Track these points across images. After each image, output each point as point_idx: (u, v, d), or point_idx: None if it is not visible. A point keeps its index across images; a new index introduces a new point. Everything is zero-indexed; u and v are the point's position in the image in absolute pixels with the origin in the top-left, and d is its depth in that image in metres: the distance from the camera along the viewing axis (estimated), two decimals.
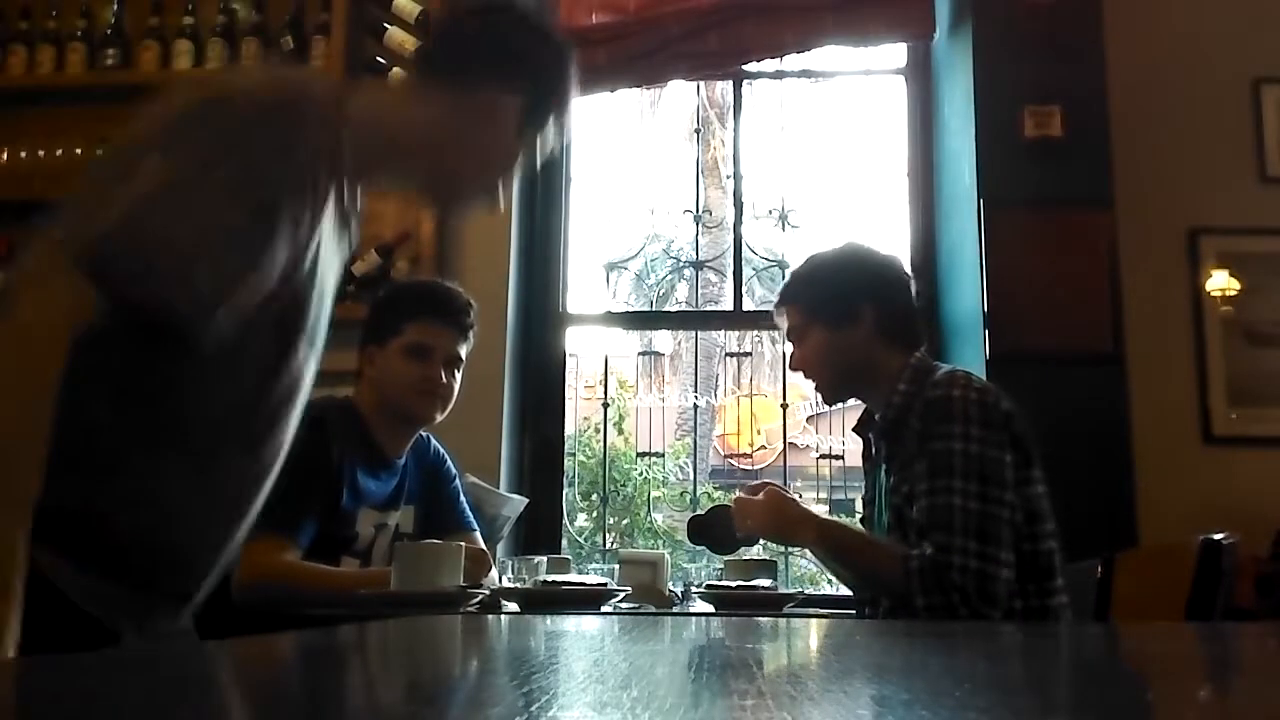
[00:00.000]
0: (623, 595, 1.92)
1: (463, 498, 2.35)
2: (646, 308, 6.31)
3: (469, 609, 1.82)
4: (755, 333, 4.38)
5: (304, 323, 1.32)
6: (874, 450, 2.06)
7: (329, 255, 1.34)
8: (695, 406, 5.17)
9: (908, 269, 2.14)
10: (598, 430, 4.07)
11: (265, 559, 1.86)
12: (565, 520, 3.46)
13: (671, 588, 2.19)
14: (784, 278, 2.17)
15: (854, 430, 2.16)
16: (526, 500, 2.78)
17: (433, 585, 1.72)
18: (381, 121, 1.40)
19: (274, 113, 1.25)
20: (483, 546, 2.28)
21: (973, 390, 1.84)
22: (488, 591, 1.84)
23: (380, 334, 2.20)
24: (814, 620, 2.08)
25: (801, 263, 2.13)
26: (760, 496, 1.96)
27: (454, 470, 2.37)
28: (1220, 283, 3.23)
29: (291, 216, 1.23)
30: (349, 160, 1.32)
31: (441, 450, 2.36)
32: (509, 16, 1.49)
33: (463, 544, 1.81)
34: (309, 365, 1.37)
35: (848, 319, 1.98)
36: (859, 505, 2.25)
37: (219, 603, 1.55)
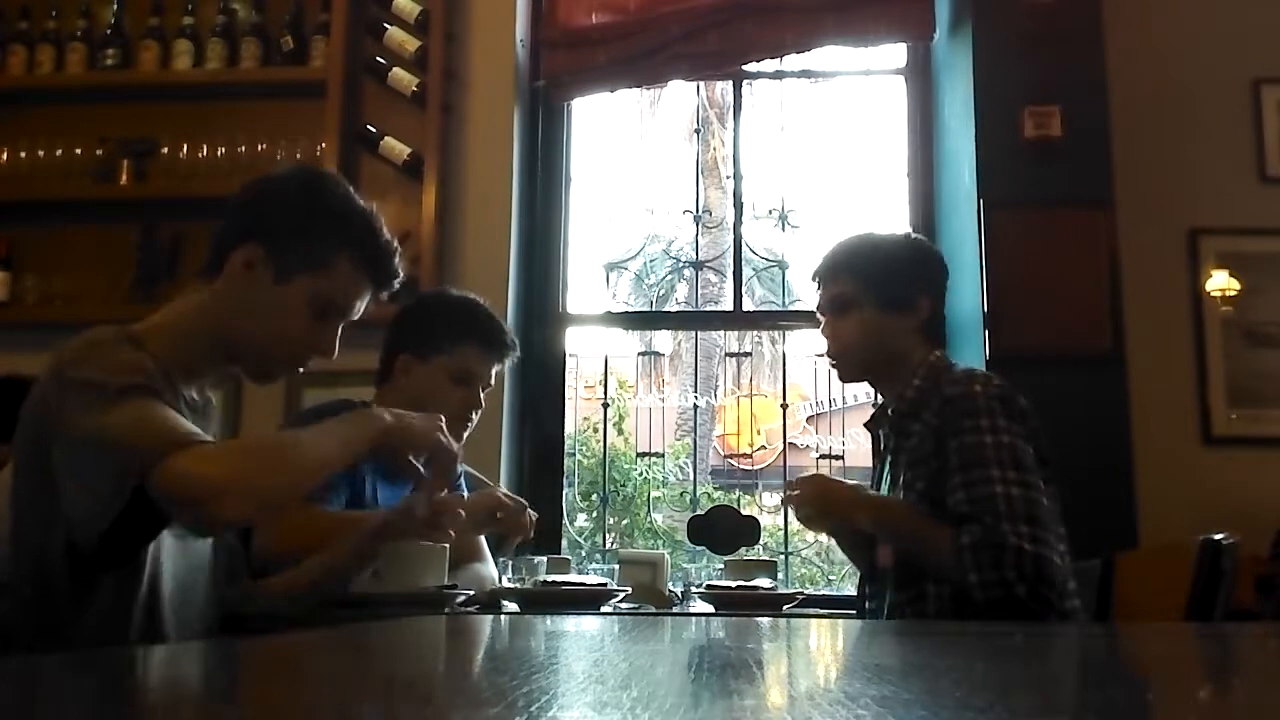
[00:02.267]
0: (622, 595, 1.91)
1: (466, 496, 2.33)
2: (646, 308, 6.31)
3: (467, 609, 1.82)
4: (755, 333, 4.38)
5: None
6: (882, 445, 2.05)
7: None
8: (695, 406, 5.16)
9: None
10: (598, 430, 4.07)
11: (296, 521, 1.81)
12: (565, 520, 3.46)
13: (671, 588, 2.18)
14: (827, 253, 2.06)
15: (865, 425, 2.15)
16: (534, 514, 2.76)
17: (416, 586, 1.72)
18: (170, 334, 1.54)
19: (107, 360, 1.42)
20: (484, 546, 2.28)
21: (993, 387, 1.84)
22: (471, 591, 1.84)
23: (423, 347, 2.14)
24: (814, 620, 2.08)
25: (858, 237, 2.06)
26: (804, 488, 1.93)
27: (460, 469, 2.35)
28: (1220, 283, 3.23)
29: None
30: (172, 377, 1.49)
31: None
32: (251, 194, 1.64)
33: (446, 545, 1.79)
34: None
35: (903, 307, 1.96)
36: None
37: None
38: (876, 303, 1.96)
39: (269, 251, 1.55)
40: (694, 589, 2.12)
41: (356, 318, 1.65)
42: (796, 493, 1.94)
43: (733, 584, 2.05)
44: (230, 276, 1.55)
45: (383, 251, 1.63)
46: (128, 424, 1.34)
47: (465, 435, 2.18)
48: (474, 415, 2.18)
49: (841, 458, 3.74)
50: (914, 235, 2.08)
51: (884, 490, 1.99)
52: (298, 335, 1.58)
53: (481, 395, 2.19)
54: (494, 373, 2.21)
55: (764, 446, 5.98)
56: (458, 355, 2.14)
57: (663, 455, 5.03)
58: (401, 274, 1.67)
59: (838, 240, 2.07)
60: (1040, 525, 1.71)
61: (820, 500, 1.91)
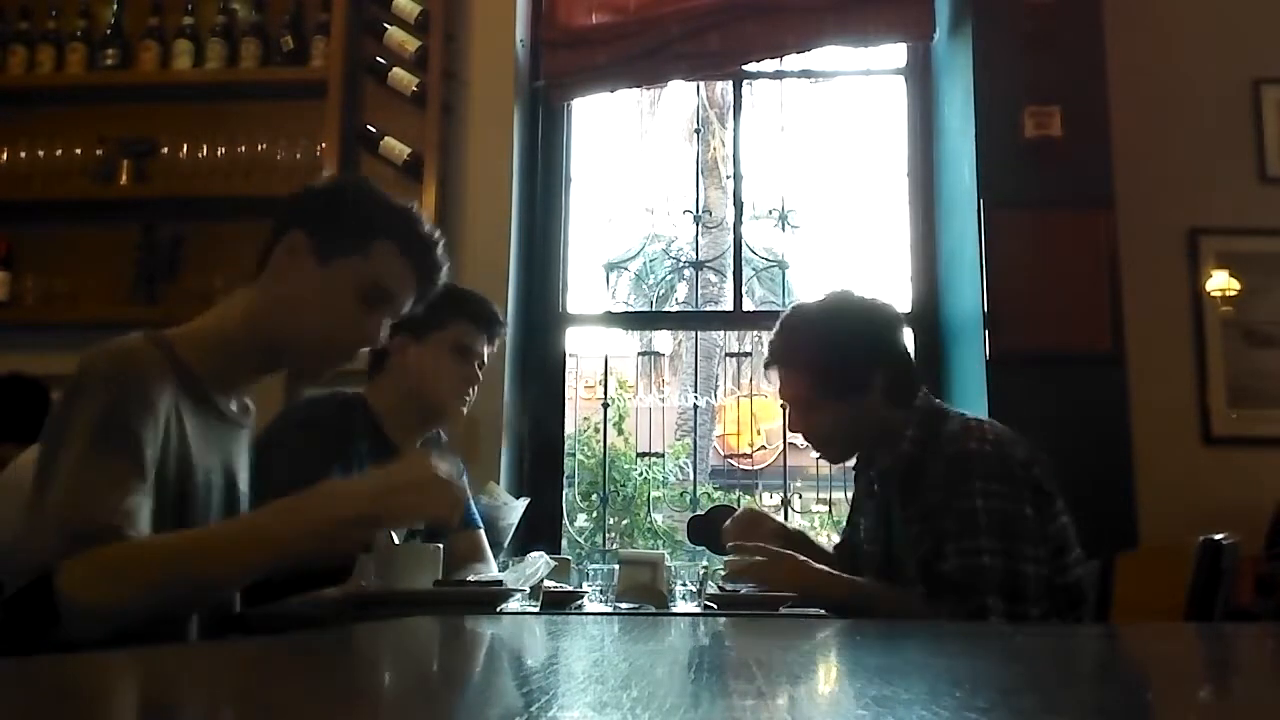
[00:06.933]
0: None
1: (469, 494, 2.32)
2: (646, 308, 6.30)
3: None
4: (755, 333, 4.38)
5: (196, 510, 1.48)
6: (875, 487, 2.00)
7: (206, 456, 1.50)
8: (695, 406, 5.18)
9: (897, 311, 2.04)
10: (598, 430, 4.07)
11: None
12: (565, 520, 3.46)
13: (676, 585, 2.17)
14: (781, 318, 2.01)
15: (854, 468, 2.11)
16: (528, 500, 2.77)
17: (410, 585, 1.72)
18: (210, 338, 1.52)
19: (121, 391, 1.39)
20: (485, 545, 2.27)
21: (988, 444, 1.79)
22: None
23: (419, 326, 2.10)
24: (814, 620, 2.07)
25: (792, 318, 1.99)
26: (780, 559, 1.88)
27: (461, 464, 2.34)
28: (1220, 283, 3.23)
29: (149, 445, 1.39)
30: (191, 386, 1.47)
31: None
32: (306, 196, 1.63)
33: (439, 546, 1.78)
34: None
35: (858, 390, 1.90)
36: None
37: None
38: (830, 398, 1.91)
39: (311, 236, 1.54)
40: (705, 597, 2.10)
41: (404, 310, 1.62)
42: (772, 564, 1.88)
43: (741, 588, 2.01)
44: (275, 268, 1.54)
45: (425, 241, 1.61)
46: (64, 497, 1.31)
47: (465, 412, 2.20)
48: (472, 391, 2.18)
49: None
50: (841, 298, 1.98)
51: (881, 540, 1.96)
52: (344, 322, 1.55)
53: (479, 372, 2.19)
54: (486, 352, 2.21)
55: (764, 446, 5.98)
56: (452, 330, 2.14)
57: (663, 455, 5.05)
58: (446, 267, 1.64)
59: (779, 323, 2.01)
60: (1020, 599, 1.71)
61: (800, 583, 1.86)
